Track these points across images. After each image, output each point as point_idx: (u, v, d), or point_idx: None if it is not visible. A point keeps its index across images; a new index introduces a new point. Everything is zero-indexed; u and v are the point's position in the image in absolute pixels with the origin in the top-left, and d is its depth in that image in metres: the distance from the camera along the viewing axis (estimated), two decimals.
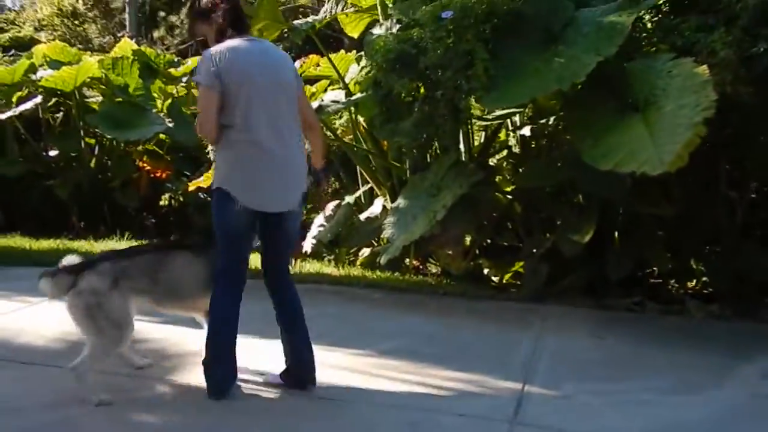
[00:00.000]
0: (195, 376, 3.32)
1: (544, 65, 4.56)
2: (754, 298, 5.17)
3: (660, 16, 5.05)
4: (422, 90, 5.06)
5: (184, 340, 3.93)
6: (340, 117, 7.47)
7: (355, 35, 7.47)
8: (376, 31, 6.07)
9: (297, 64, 7.16)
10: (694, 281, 5.65)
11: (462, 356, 3.88)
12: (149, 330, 4.06)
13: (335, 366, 3.58)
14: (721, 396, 3.34)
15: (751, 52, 4.43)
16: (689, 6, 5.04)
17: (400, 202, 5.76)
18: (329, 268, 6.16)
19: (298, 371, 3.28)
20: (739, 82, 4.38)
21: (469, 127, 5.95)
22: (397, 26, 5.88)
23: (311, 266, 6.24)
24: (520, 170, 6.01)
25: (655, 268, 5.65)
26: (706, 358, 3.95)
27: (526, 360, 3.82)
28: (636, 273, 5.50)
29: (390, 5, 6.50)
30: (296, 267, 6.25)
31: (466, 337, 4.31)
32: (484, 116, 5.81)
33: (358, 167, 7.09)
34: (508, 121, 6.15)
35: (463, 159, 5.82)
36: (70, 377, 3.07)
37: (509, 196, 5.90)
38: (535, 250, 5.57)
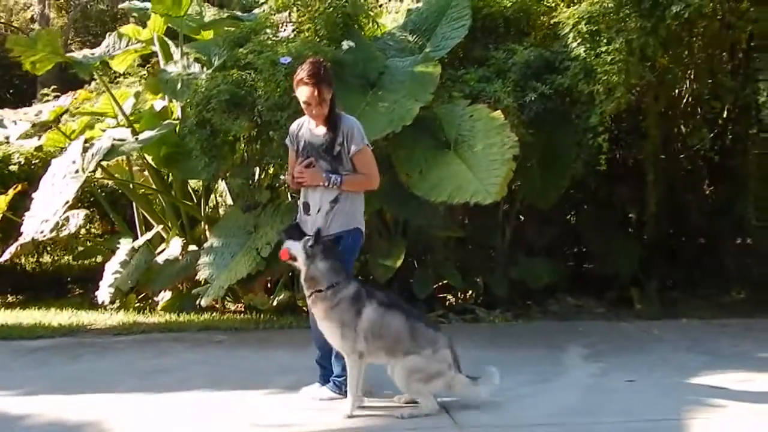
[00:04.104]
0: None
1: (371, 108, 5.05)
2: (523, 302, 6.27)
3: (445, 68, 5.87)
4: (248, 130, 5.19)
5: None
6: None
7: (122, 69, 7.21)
8: (170, 68, 5.93)
9: (65, 99, 6.61)
10: (473, 292, 6.56)
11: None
12: None
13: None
14: (572, 381, 4.10)
15: (523, 101, 5.48)
16: (464, 59, 5.99)
17: (214, 241, 5.72)
18: (138, 316, 5.77)
19: None
20: (521, 124, 5.39)
21: None
22: (197, 65, 5.88)
23: (109, 317, 5.79)
24: None
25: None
26: (530, 353, 4.76)
27: None
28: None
29: (171, 42, 6.45)
30: (92, 320, 5.76)
31: None
32: None
33: (136, 208, 6.77)
34: None
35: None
36: None
37: None
38: None
